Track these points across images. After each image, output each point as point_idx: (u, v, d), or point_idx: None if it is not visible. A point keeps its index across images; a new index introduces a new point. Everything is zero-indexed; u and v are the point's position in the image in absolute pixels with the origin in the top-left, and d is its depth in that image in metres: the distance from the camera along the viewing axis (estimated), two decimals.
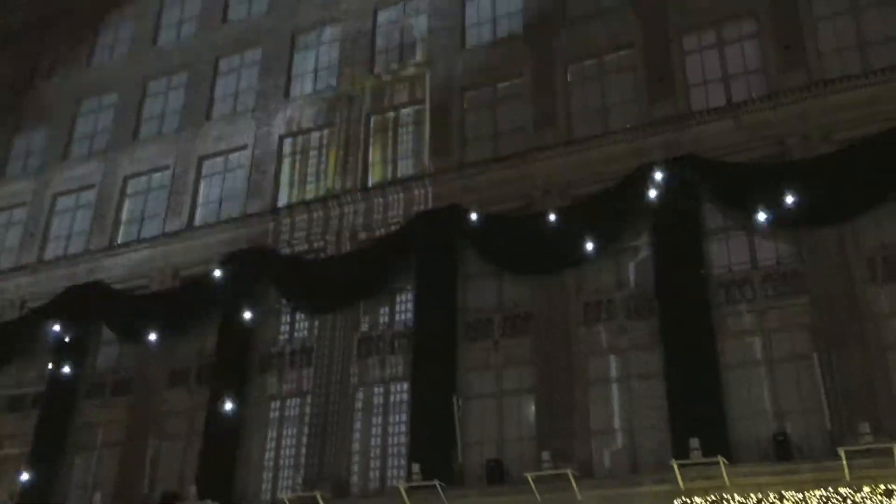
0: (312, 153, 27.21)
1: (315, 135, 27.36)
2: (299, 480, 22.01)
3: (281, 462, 23.02)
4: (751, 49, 22.39)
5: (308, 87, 28.46)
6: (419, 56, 26.85)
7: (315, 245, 25.21)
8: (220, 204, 27.84)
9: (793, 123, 20.57)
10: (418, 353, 21.93)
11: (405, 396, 21.99)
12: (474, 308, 22.43)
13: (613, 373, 20.37)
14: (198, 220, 27.76)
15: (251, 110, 28.77)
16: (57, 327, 26.50)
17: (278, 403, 23.81)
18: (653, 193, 20.73)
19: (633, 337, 20.35)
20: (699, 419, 18.17)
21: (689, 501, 17.68)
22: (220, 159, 28.67)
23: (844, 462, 16.65)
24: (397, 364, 22.55)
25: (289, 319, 24.95)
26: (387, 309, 23.67)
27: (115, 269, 27.66)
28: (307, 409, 23.13)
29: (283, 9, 30.13)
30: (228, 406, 23.02)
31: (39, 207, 30.97)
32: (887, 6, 21.19)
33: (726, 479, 17.48)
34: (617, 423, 19.82)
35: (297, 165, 27.28)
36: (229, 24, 31.40)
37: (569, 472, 18.69)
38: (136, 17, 33.67)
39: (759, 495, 17.16)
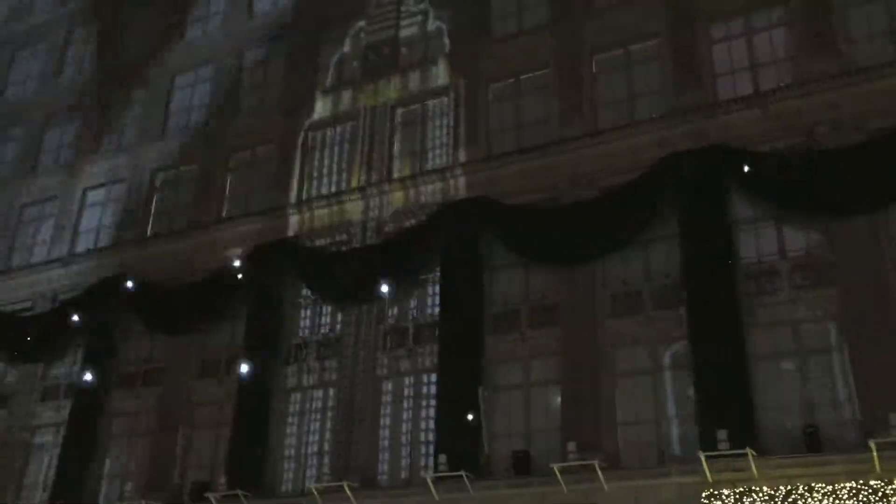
0: (338, 146, 27.31)
1: (340, 127, 27.46)
2: (327, 470, 22.18)
3: (309, 452, 23.23)
4: (780, 37, 22.11)
5: (331, 80, 28.55)
6: (444, 48, 26.80)
7: (340, 237, 25.31)
8: (246, 197, 28.05)
9: (823, 112, 20.29)
10: (445, 345, 22.00)
11: (432, 388, 22.07)
12: (501, 299, 22.45)
13: (640, 364, 20.29)
14: (224, 213, 28.02)
15: (277, 103, 28.90)
16: (88, 319, 26.87)
17: (306, 394, 24.02)
18: (680, 184, 20.59)
19: (660, 328, 20.25)
20: (727, 411, 18.07)
21: (717, 493, 17.58)
22: (246, 153, 28.81)
23: (875, 454, 16.47)
24: (424, 355, 22.63)
25: (316, 311, 25.10)
26: (413, 300, 23.75)
27: (143, 262, 27.99)
28: (334, 401, 23.31)
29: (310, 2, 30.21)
30: (255, 396, 23.25)
31: (70, 201, 31.39)
32: None
33: (755, 471, 17.38)
34: (644, 414, 19.74)
35: (323, 158, 27.39)
36: (255, 17, 31.52)
37: (595, 463, 18.68)
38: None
39: (789, 487, 17.03)
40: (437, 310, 22.84)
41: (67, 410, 26.58)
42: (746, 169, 19.95)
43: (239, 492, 22.16)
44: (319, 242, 25.54)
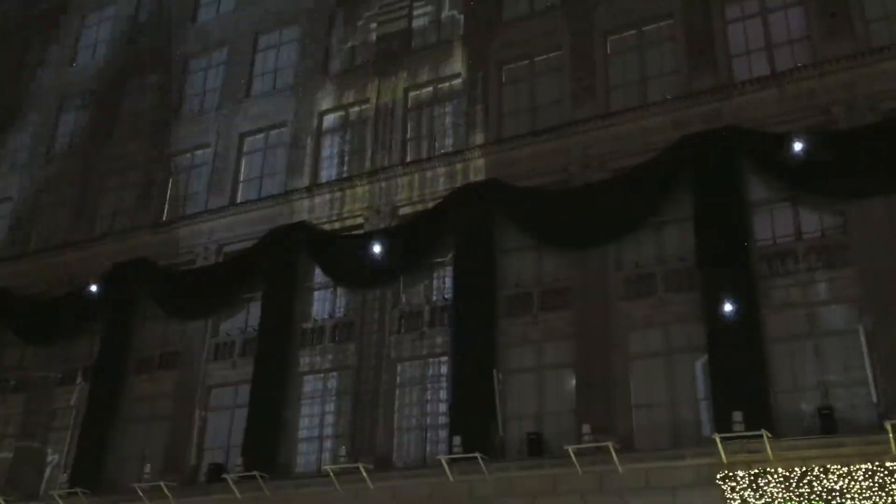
0: (350, 129, 27.31)
1: (354, 110, 27.44)
2: (342, 452, 22.33)
3: (324, 434, 23.40)
4: (795, 16, 21.92)
5: (344, 64, 28.51)
6: (456, 30, 26.70)
7: (355, 221, 25.37)
8: (261, 181, 28.16)
9: (838, 92, 20.15)
10: (458, 328, 22.06)
11: (446, 370, 22.13)
12: (513, 282, 22.47)
13: (654, 346, 20.29)
14: (240, 198, 28.14)
15: (291, 87, 28.91)
16: (105, 302, 27.10)
17: (321, 377, 24.16)
18: (694, 165, 20.51)
19: (674, 310, 20.24)
20: (742, 392, 18.07)
21: (731, 475, 17.61)
22: (260, 136, 28.90)
23: (891, 436, 16.46)
24: (438, 338, 22.69)
25: (330, 294, 25.21)
26: (427, 284, 23.80)
27: (158, 245, 28.17)
28: (349, 383, 23.44)
29: None
30: (270, 379, 23.44)
31: None
32: None
33: (770, 452, 17.39)
34: (658, 396, 19.77)
35: (337, 141, 27.42)
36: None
37: (610, 445, 18.73)
38: None
39: (804, 469, 17.04)
40: (450, 293, 22.87)
41: (85, 394, 26.84)
42: (761, 150, 19.85)
43: (256, 473, 22.35)
44: (334, 226, 25.57)
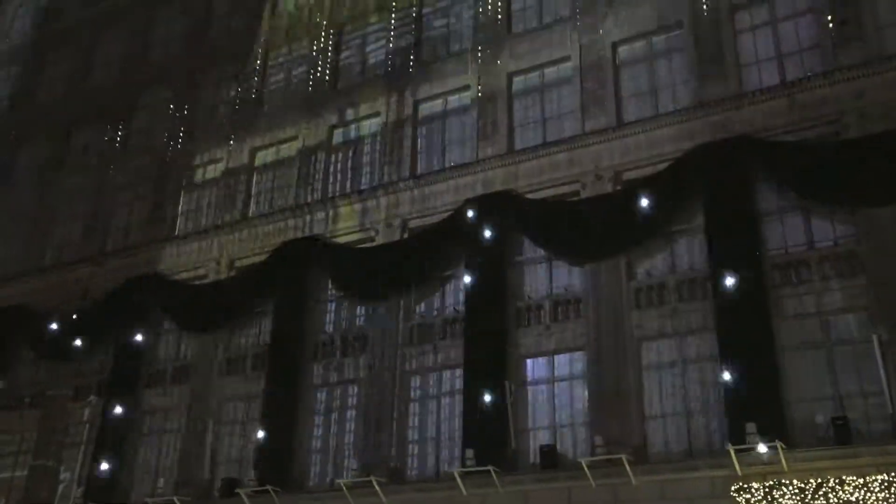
0: (361, 143, 27.40)
1: (364, 124, 27.55)
2: (355, 466, 22.32)
3: (337, 448, 23.39)
4: (805, 25, 21.86)
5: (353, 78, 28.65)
6: (467, 43, 26.77)
7: (365, 234, 25.41)
8: (272, 195, 28.28)
9: (850, 101, 20.05)
10: (470, 340, 22.03)
11: (458, 383, 22.09)
12: (526, 293, 22.44)
13: (667, 357, 20.20)
14: (252, 211, 28.32)
15: (301, 103, 29.02)
16: (119, 318, 27.25)
17: (333, 390, 24.18)
18: (706, 176, 20.46)
19: (687, 320, 20.15)
20: (756, 403, 17.95)
21: (746, 487, 17.47)
22: (272, 149, 29.02)
23: None
24: (450, 351, 22.67)
25: (342, 308, 25.25)
26: (438, 296, 23.81)
27: (170, 259, 28.35)
28: (361, 396, 23.44)
29: None
30: (282, 393, 23.49)
31: None
32: None
33: (784, 464, 17.26)
34: (671, 407, 19.67)
35: (349, 156, 27.52)
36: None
37: (623, 457, 18.63)
38: None
39: (819, 480, 16.88)
40: (462, 304, 22.86)
41: (100, 409, 26.94)
42: (773, 159, 19.77)
43: (269, 487, 22.35)
44: (344, 240, 25.63)
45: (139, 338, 27.18)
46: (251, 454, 23.96)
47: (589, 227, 21.73)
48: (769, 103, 20.93)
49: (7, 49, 39.39)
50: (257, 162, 29.25)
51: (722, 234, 19.98)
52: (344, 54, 29.33)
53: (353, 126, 27.83)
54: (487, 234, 22.70)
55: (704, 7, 22.78)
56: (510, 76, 25.41)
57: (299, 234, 26.13)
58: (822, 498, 16.71)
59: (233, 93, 30.83)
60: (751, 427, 17.60)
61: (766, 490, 17.24)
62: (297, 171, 27.81)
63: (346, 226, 25.75)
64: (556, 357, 21.47)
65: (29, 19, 39.78)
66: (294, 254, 25.58)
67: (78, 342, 27.82)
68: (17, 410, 29.23)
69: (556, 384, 21.22)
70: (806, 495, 16.86)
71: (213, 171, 29.91)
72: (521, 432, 20.77)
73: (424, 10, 28.14)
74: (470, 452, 20.34)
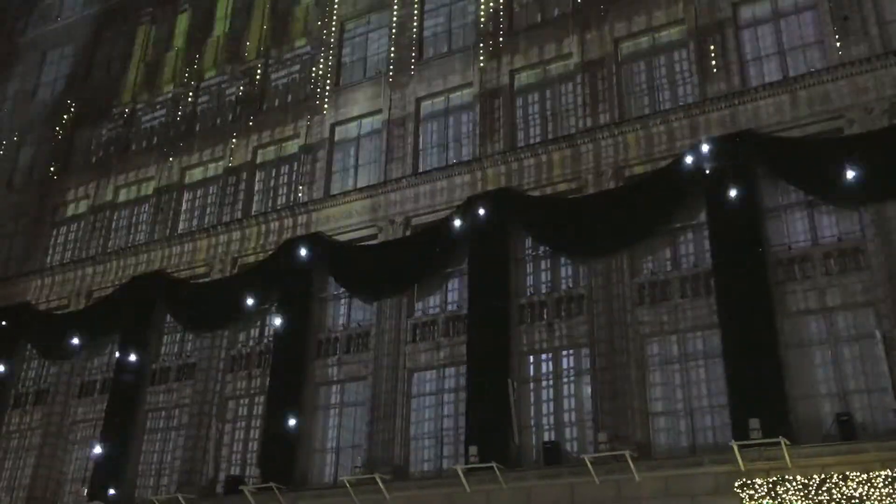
0: (363, 140, 27.42)
1: (366, 121, 27.56)
2: (359, 463, 22.33)
3: (340, 445, 23.42)
4: (808, 20, 21.82)
5: (359, 75, 28.64)
6: (468, 40, 26.75)
7: (370, 231, 25.42)
8: (273, 192, 28.32)
9: (853, 96, 20.01)
10: (473, 337, 22.03)
11: (461, 380, 22.09)
12: (528, 290, 22.44)
13: (670, 353, 20.19)
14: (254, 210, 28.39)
15: (305, 100, 29.07)
16: (122, 315, 27.30)
17: (336, 388, 24.20)
18: (708, 171, 20.42)
19: (690, 317, 20.13)
20: (759, 399, 17.93)
21: (750, 483, 17.45)
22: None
23: None
24: (453, 348, 22.67)
25: (345, 305, 25.26)
26: (441, 293, 23.82)
27: (174, 257, 28.44)
28: (365, 394, 23.45)
29: None
30: (286, 390, 23.51)
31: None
32: None
33: (788, 459, 17.25)
34: (674, 404, 19.66)
35: (351, 153, 27.54)
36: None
37: (626, 453, 18.63)
38: None
39: (822, 476, 16.87)
40: (464, 302, 22.86)
41: (104, 406, 27.00)
42: (776, 155, 19.73)
43: (273, 485, 22.39)
44: (348, 237, 25.66)
45: (143, 335, 27.18)
46: (255, 451, 23.99)
47: (591, 223, 21.70)
48: (772, 99, 20.88)
49: None
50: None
51: (724, 230, 19.95)
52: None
53: (351, 123, 27.81)
54: (489, 230, 22.66)
55: (707, 2, 22.72)
56: (512, 73, 25.38)
57: (301, 232, 26.13)
58: (825, 494, 16.70)
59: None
60: (754, 423, 17.57)
61: (770, 486, 17.22)
62: (301, 168, 27.80)
63: (350, 223, 25.69)
64: (559, 353, 21.46)
65: None
66: (296, 251, 25.56)
67: (83, 340, 27.88)
68: (22, 407, 29.30)
69: (559, 380, 21.23)
70: (810, 491, 16.85)
71: (216, 168, 30.01)
72: (525, 429, 20.79)
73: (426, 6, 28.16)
74: (473, 449, 20.34)
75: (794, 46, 21.75)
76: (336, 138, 27.94)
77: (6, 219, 33.92)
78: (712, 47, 22.28)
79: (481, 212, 23.03)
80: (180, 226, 29.64)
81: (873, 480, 16.44)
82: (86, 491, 25.31)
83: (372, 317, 24.29)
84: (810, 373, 18.52)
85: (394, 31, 28.16)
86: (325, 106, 28.25)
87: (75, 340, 27.80)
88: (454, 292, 23.59)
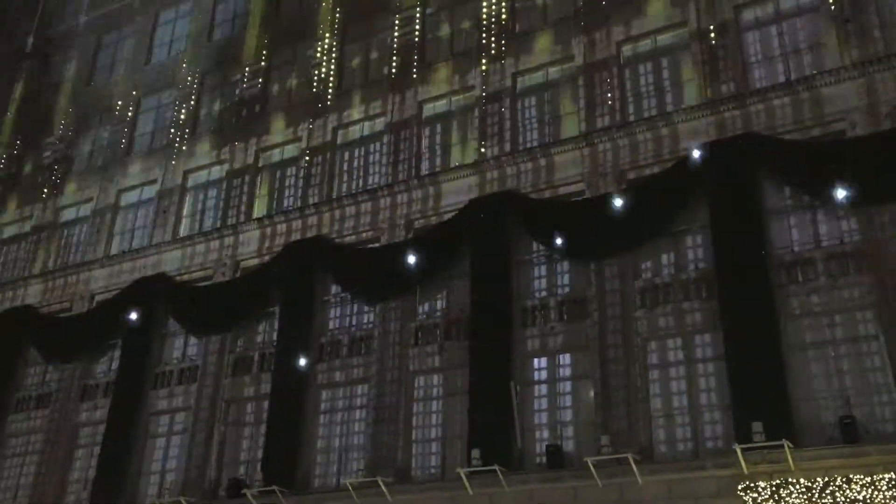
0: (366, 143, 27.44)
1: (368, 124, 27.57)
2: (361, 466, 22.32)
3: (343, 448, 23.40)
4: (810, 23, 21.81)
5: (358, 79, 28.70)
6: (470, 42, 26.76)
7: (369, 234, 25.42)
8: (276, 195, 28.37)
9: (855, 99, 20.00)
10: (475, 340, 22.02)
11: (463, 383, 22.07)
12: (530, 293, 22.42)
13: (673, 356, 20.17)
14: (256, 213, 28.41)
15: (307, 104, 29.09)
16: (125, 319, 27.30)
17: (339, 391, 24.19)
18: (711, 174, 20.41)
19: (692, 320, 20.11)
20: (762, 402, 17.90)
21: (753, 486, 17.43)
22: (276, 150, 29.16)
23: None
24: (455, 351, 22.65)
25: (347, 308, 25.26)
26: (443, 296, 23.80)
27: (175, 261, 28.47)
28: (367, 397, 23.45)
29: None
30: (291, 394, 23.52)
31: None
32: None
33: (791, 462, 17.22)
34: (677, 406, 19.64)
35: (353, 156, 27.55)
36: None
37: (629, 456, 18.61)
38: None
39: (826, 479, 16.83)
40: (466, 304, 22.84)
41: (106, 409, 26.99)
42: (778, 158, 19.71)
43: (275, 488, 22.38)
44: (349, 240, 25.65)
45: (146, 339, 27.20)
46: (258, 454, 23.98)
47: (593, 226, 21.68)
48: (775, 101, 20.88)
49: None
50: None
51: (727, 232, 19.94)
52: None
53: (352, 127, 27.86)
54: (491, 233, 22.67)
55: (710, 5, 22.73)
56: (514, 76, 25.40)
57: (303, 236, 26.16)
58: (829, 496, 16.67)
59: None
60: (757, 426, 17.54)
61: (773, 489, 17.20)
62: (304, 172, 27.82)
63: (352, 226, 25.71)
64: (561, 356, 21.45)
65: None
66: (298, 255, 25.59)
67: (85, 344, 27.92)
68: (25, 411, 29.31)
69: (561, 383, 21.21)
70: (813, 494, 16.82)
71: (218, 171, 30.03)
72: (527, 432, 20.76)
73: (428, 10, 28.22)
74: (476, 452, 20.32)
75: (796, 49, 21.74)
76: (338, 141, 27.98)
77: None
78: (715, 49, 22.25)
79: (483, 214, 23.01)
80: (182, 229, 29.59)
81: (877, 483, 16.41)
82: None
83: (374, 320, 24.28)
84: (813, 375, 18.48)
85: (396, 34, 28.18)
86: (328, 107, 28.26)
87: (77, 344, 27.76)
88: (457, 294, 23.52)
